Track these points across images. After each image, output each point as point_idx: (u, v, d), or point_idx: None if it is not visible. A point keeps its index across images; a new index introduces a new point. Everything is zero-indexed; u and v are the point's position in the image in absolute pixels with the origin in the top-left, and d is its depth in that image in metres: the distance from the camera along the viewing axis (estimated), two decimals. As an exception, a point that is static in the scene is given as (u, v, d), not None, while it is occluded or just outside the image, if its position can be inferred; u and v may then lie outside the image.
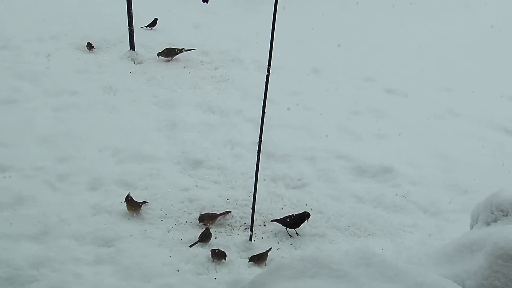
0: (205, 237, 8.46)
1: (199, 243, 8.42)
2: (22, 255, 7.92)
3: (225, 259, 8.16)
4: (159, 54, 12.73)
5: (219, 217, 8.84)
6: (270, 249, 8.31)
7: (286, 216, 8.78)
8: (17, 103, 11.08)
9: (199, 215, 8.81)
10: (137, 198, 8.99)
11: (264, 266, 8.05)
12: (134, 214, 8.84)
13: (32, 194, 9.00)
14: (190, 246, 8.38)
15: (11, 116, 10.72)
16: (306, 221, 8.75)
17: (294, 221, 8.71)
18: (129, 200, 8.82)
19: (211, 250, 8.20)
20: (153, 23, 13.87)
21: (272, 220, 8.84)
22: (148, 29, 13.79)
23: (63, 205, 8.90)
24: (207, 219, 8.72)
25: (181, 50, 12.80)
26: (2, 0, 14.38)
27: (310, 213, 8.81)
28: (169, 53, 12.73)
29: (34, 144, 10.08)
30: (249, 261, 8.20)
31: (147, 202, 9.01)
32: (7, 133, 10.23)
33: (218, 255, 8.15)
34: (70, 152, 9.94)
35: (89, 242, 8.34)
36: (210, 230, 8.55)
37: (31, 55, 12.63)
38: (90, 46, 12.88)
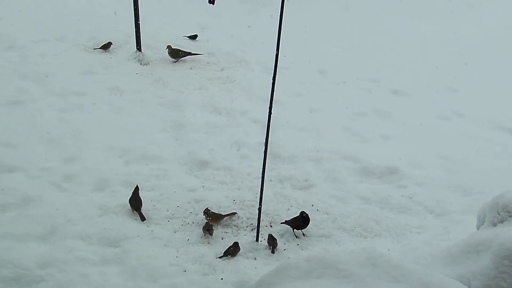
0: (210, 230, 8.53)
1: (207, 234, 8.52)
2: (28, 255, 7.93)
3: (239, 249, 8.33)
4: (168, 47, 12.76)
5: (225, 218, 8.87)
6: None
7: (292, 218, 8.79)
8: (23, 104, 11.10)
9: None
10: (143, 198, 9.01)
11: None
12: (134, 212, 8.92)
13: (39, 195, 9.02)
14: (208, 234, 8.51)
15: (17, 117, 10.73)
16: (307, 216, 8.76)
17: (299, 223, 8.73)
18: (135, 197, 8.95)
19: (225, 251, 8.29)
20: (194, 36, 13.81)
21: (281, 223, 8.85)
22: (188, 39, 13.74)
23: (69, 205, 8.91)
24: (210, 215, 8.76)
25: (188, 53, 12.82)
26: (8, 2, 14.44)
27: (307, 213, 8.80)
28: (176, 54, 12.76)
29: (40, 145, 10.09)
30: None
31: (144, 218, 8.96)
32: (13, 134, 10.24)
33: (234, 251, 8.29)
34: (76, 153, 9.96)
35: (95, 242, 8.35)
36: (210, 224, 8.63)
37: (37, 56, 12.66)
38: (106, 46, 12.96)
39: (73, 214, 8.74)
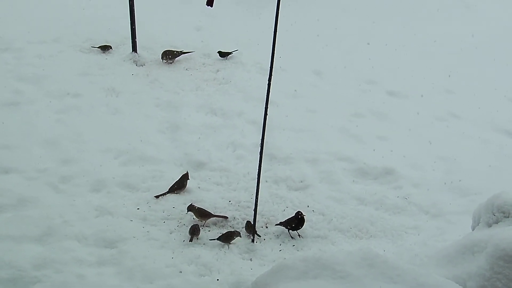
0: (197, 232, 8.53)
1: (193, 238, 8.53)
2: (25, 257, 7.93)
3: (240, 236, 8.45)
4: (162, 54, 12.76)
5: (213, 217, 8.87)
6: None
7: (287, 219, 8.79)
8: (20, 105, 11.12)
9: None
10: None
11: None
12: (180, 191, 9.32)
13: (35, 196, 9.04)
14: (195, 237, 8.50)
15: (13, 118, 10.75)
16: (302, 217, 8.75)
17: (294, 223, 8.73)
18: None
19: (219, 236, 8.42)
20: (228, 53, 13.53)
21: (276, 224, 8.85)
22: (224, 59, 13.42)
23: (66, 206, 8.92)
24: (196, 211, 8.80)
25: (180, 53, 12.81)
26: (4, 3, 14.44)
27: (303, 212, 8.80)
28: (168, 55, 12.72)
29: (37, 146, 10.11)
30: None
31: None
32: (10, 136, 10.26)
33: (226, 237, 8.40)
34: (73, 154, 9.97)
35: (92, 243, 8.36)
36: (196, 226, 8.63)
37: (33, 57, 12.66)
38: (105, 48, 12.96)
39: (70, 215, 8.75)
